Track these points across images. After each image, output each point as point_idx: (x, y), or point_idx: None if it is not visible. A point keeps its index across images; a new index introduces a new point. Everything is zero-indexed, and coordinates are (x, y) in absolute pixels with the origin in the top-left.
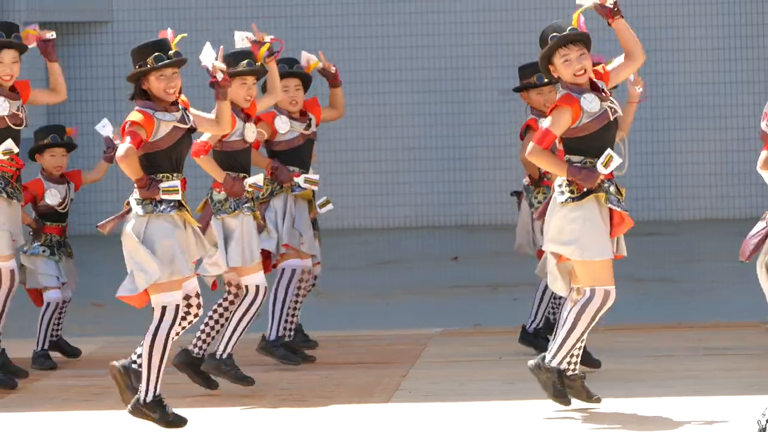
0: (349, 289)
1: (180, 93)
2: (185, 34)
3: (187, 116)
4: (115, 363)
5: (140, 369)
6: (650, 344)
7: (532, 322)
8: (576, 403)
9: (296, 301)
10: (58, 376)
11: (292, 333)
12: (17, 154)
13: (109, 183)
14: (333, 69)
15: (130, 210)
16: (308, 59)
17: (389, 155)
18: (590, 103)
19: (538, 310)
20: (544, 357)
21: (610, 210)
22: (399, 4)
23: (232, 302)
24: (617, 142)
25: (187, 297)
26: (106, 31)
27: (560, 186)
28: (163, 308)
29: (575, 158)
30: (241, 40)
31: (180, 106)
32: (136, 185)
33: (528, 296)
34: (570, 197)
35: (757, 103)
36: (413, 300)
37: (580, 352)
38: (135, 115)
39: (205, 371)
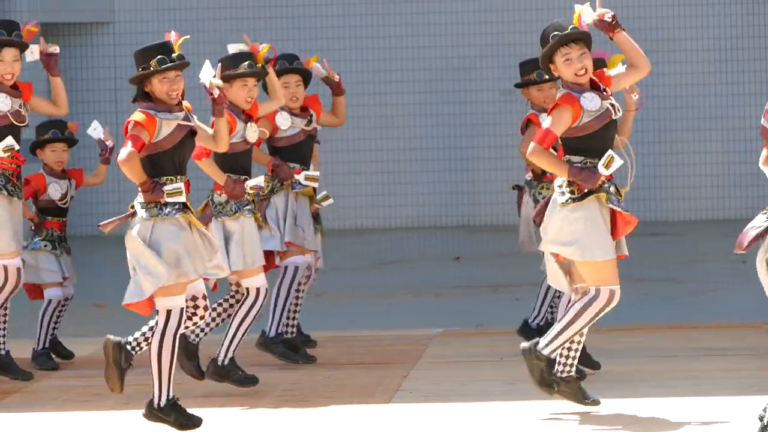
0: (350, 289)
1: (183, 97)
2: (188, 37)
3: (191, 116)
4: (111, 337)
5: (134, 351)
6: (651, 344)
7: (535, 317)
8: (576, 405)
9: (297, 297)
10: (58, 376)
11: (294, 331)
12: (18, 150)
13: (110, 184)
14: (336, 77)
15: (134, 213)
16: (313, 66)
17: (391, 155)
18: (590, 101)
19: (541, 305)
20: (537, 342)
21: (613, 211)
22: (400, 4)
23: (237, 300)
24: (621, 150)
25: (194, 298)
26: (107, 31)
27: (560, 186)
28: (168, 312)
29: (575, 158)
30: (234, 52)
31: (183, 109)
32: (140, 189)
33: (530, 297)
34: (570, 198)
35: (758, 104)
36: (415, 300)
37: (577, 354)
38: (137, 115)
39: (208, 378)
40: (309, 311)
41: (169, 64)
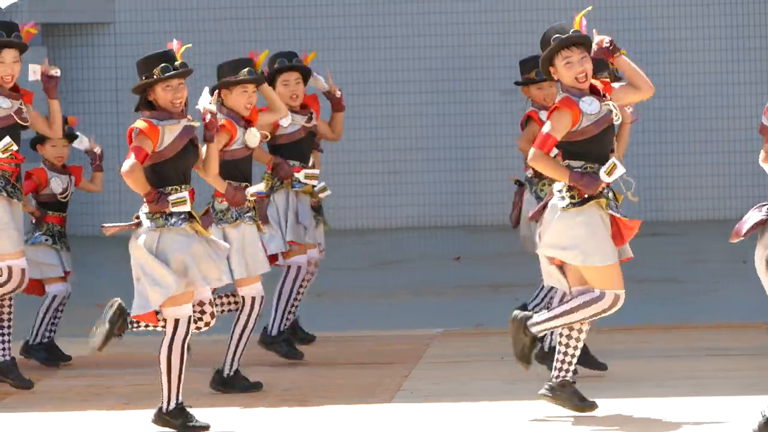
0: (351, 289)
1: (186, 105)
2: (189, 45)
3: (193, 126)
4: (121, 302)
5: (131, 326)
6: (651, 344)
7: (533, 301)
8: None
9: (299, 292)
10: (58, 376)
11: (287, 324)
12: (17, 150)
13: (111, 184)
14: (338, 93)
15: (139, 223)
16: (315, 78)
17: (393, 155)
18: (589, 105)
19: (540, 291)
20: (530, 317)
21: (614, 218)
22: (401, 4)
23: (236, 302)
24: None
25: (200, 303)
26: (107, 31)
27: (560, 191)
28: (176, 320)
29: (575, 163)
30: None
31: (186, 117)
32: (144, 199)
33: (530, 297)
34: (571, 202)
35: (760, 103)
36: (415, 300)
37: (574, 359)
38: (140, 123)
39: (212, 388)
40: (309, 311)
41: (173, 72)
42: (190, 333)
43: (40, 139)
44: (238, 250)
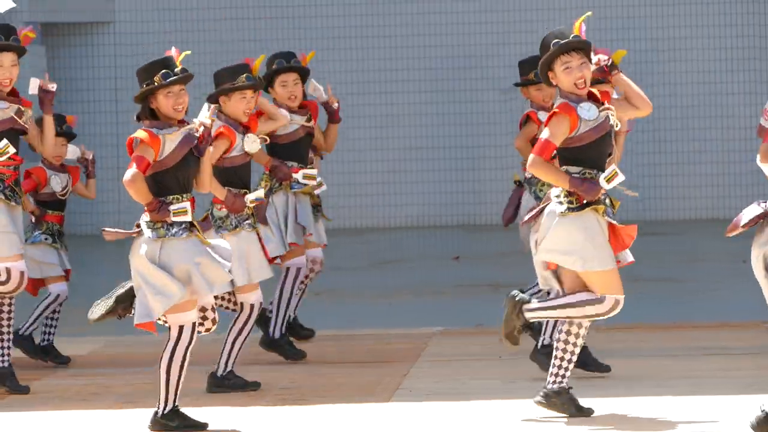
0: (350, 288)
1: (187, 112)
2: (189, 52)
3: (195, 135)
4: (132, 285)
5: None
6: (650, 344)
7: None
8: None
9: (299, 291)
10: (57, 375)
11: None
12: (16, 153)
13: (110, 183)
14: (335, 105)
15: (140, 232)
16: (315, 87)
17: (392, 155)
18: (588, 111)
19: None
20: (527, 300)
21: (611, 225)
22: (401, 4)
23: (237, 303)
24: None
25: (203, 309)
26: (107, 31)
27: (558, 197)
28: (180, 327)
29: (572, 169)
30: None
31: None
32: (146, 209)
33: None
34: (569, 208)
35: (758, 103)
36: (415, 300)
37: (571, 365)
38: (140, 133)
39: (209, 391)
40: (309, 311)
41: (174, 78)
42: (194, 341)
43: None
44: (238, 258)
